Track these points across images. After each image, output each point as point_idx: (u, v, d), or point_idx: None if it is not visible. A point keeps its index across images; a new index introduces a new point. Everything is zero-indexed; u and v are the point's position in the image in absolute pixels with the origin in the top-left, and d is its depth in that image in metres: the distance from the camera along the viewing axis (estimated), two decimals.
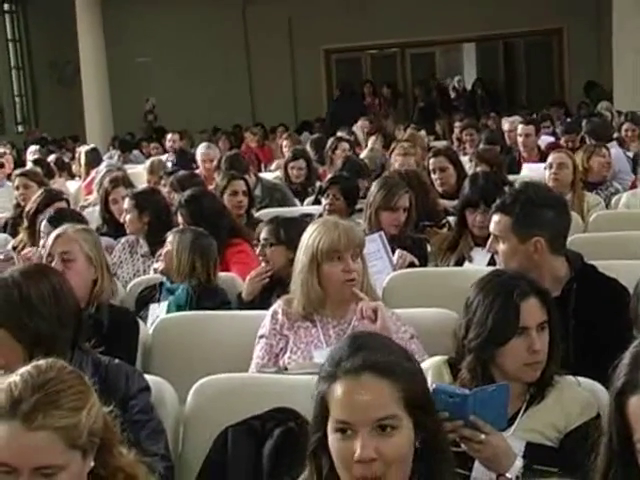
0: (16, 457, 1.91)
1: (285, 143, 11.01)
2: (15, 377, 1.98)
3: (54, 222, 4.85)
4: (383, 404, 1.94)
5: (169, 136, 12.80)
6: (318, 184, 8.18)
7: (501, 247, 3.48)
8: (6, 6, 20.37)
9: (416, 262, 4.88)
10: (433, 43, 20.28)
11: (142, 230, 5.43)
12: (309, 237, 3.50)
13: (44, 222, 5.14)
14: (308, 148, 9.93)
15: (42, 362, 2.05)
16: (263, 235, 4.58)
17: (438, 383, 2.65)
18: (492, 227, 3.53)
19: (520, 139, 8.72)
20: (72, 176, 10.83)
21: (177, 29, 19.50)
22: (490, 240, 3.57)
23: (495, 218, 3.51)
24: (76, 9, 17.08)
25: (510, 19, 18.52)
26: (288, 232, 4.43)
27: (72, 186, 9.78)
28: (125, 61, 18.81)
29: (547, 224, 3.42)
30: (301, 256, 3.51)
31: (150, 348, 4.01)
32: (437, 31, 18.85)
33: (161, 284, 4.65)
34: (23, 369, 2.02)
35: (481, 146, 9.03)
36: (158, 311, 4.50)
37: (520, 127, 8.83)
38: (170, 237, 4.65)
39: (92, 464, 2.02)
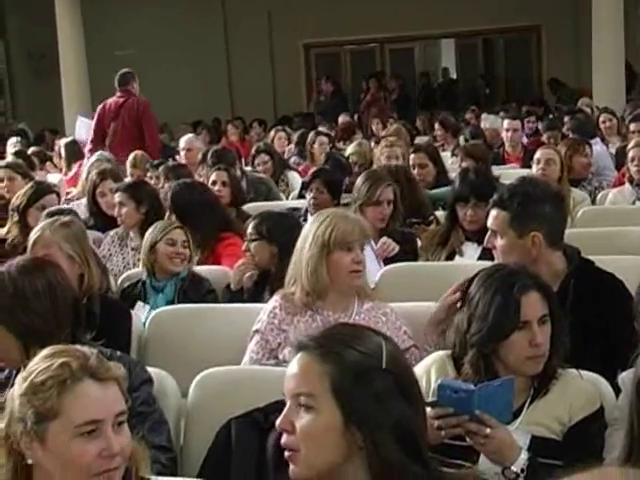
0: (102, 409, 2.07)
1: (279, 135, 11.04)
2: (63, 356, 2.11)
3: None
4: (304, 381, 1.95)
5: None
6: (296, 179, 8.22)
7: (499, 242, 3.47)
8: None
9: (396, 248, 4.90)
10: (412, 38, 20.30)
11: (139, 222, 5.39)
12: (318, 227, 3.48)
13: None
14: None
15: None
16: (248, 230, 4.61)
17: (443, 378, 2.67)
18: (490, 222, 3.52)
19: (507, 134, 8.71)
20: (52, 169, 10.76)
21: (157, 22, 19.40)
22: (488, 235, 3.55)
23: (493, 213, 3.50)
24: (55, 1, 16.97)
25: (489, 16, 18.57)
26: (270, 227, 4.45)
27: (52, 179, 9.69)
28: (105, 54, 18.68)
29: (545, 219, 3.41)
30: (308, 245, 3.48)
31: (145, 341, 4.01)
32: (416, 27, 18.84)
33: (144, 283, 4.63)
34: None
35: (461, 141, 9.08)
36: (144, 310, 4.47)
37: (506, 122, 8.81)
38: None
39: None
